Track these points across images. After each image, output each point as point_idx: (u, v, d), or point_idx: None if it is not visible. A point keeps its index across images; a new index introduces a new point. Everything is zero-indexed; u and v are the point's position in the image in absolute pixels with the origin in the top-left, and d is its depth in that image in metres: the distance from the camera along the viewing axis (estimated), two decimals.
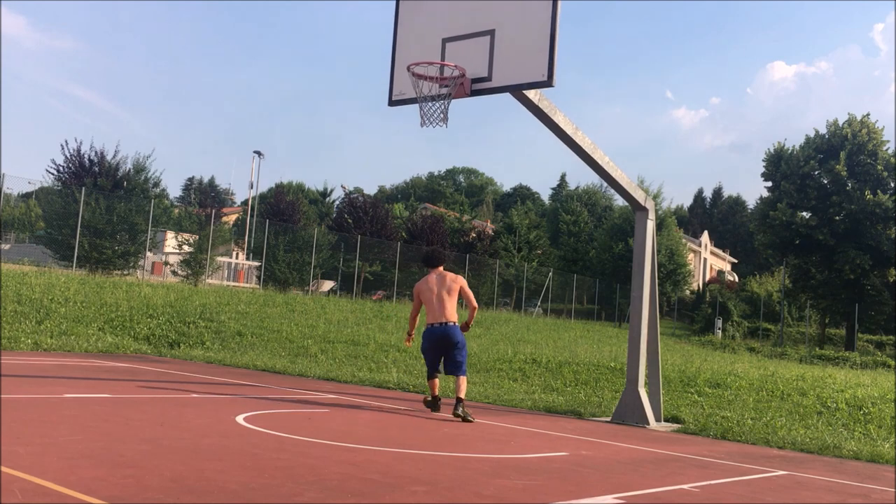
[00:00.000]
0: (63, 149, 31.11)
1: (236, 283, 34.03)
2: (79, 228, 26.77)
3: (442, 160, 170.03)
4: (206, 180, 66.66)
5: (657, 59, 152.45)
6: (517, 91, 8.33)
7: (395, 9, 9.28)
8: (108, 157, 31.45)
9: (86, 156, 31.24)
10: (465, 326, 9.27)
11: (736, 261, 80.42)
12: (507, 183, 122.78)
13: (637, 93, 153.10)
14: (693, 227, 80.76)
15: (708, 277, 69.72)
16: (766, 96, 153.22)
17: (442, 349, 9.04)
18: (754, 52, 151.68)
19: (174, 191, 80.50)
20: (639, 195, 10.57)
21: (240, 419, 7.65)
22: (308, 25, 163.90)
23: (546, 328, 32.73)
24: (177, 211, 36.00)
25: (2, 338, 14.24)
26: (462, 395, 8.90)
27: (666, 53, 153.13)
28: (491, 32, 8.42)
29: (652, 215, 10.77)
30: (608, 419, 10.27)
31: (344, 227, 42.65)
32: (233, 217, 52.24)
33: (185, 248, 30.93)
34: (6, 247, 39.11)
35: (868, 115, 43.13)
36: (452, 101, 8.50)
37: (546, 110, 8.70)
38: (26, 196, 54.84)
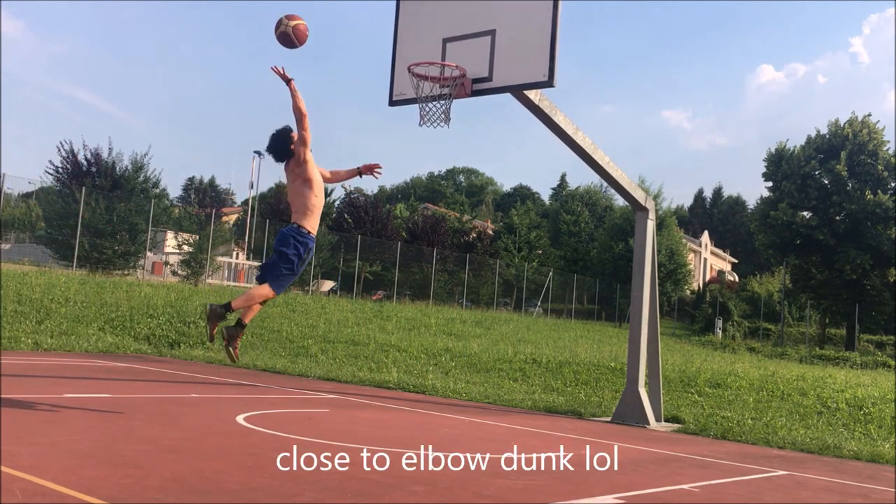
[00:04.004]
0: (59, 150, 31.16)
1: (237, 283, 34.00)
2: (79, 228, 26.75)
3: (442, 160, 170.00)
4: (206, 180, 66.53)
5: (655, 59, 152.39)
6: (518, 91, 8.33)
7: (396, 9, 9.28)
8: (104, 156, 31.47)
9: (80, 153, 31.25)
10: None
11: (736, 261, 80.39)
12: (507, 183, 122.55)
13: (636, 93, 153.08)
14: (693, 227, 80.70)
15: (708, 277, 69.69)
16: (765, 96, 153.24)
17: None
18: (752, 52, 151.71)
19: (174, 191, 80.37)
20: (639, 195, 10.57)
21: (240, 419, 7.65)
22: (308, 24, 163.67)
23: (546, 328, 32.72)
24: (177, 211, 36.03)
25: (2, 338, 14.24)
26: (234, 304, 7.01)
27: (664, 54, 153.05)
28: (492, 32, 8.41)
29: (652, 215, 10.77)
30: (608, 419, 10.27)
31: (344, 227, 42.64)
32: (233, 217, 52.22)
33: (185, 248, 30.92)
34: (6, 247, 39.05)
35: (869, 114, 43.16)
36: (453, 101, 8.49)
37: (546, 110, 8.70)
38: (26, 196, 54.71)
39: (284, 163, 7.26)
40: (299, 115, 6.95)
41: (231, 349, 7.28)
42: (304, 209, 7.13)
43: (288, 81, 6.97)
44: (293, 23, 7.22)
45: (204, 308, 6.72)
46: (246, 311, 7.31)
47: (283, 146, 7.19)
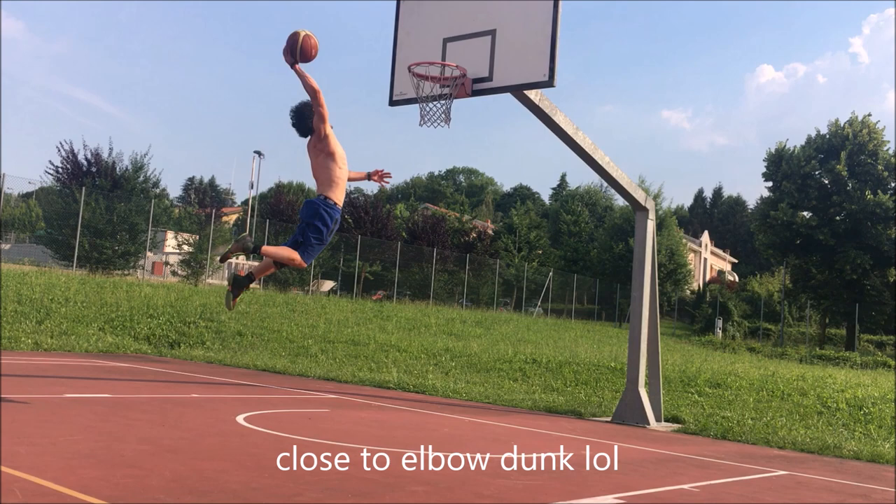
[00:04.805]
0: (59, 150, 31.16)
1: None
2: (79, 228, 26.75)
3: (442, 160, 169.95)
4: (206, 180, 66.57)
5: (655, 59, 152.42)
6: (518, 91, 8.33)
7: (396, 9, 9.28)
8: (104, 156, 31.48)
9: (80, 153, 31.26)
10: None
11: (736, 261, 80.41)
12: (507, 183, 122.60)
13: (635, 93, 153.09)
14: (693, 227, 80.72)
15: (708, 277, 69.70)
16: (765, 96, 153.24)
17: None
18: (752, 52, 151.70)
19: (174, 191, 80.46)
20: (639, 195, 10.57)
21: (240, 419, 7.65)
22: (308, 25, 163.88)
23: (546, 328, 32.72)
24: (177, 211, 35.98)
25: (2, 338, 14.24)
26: (264, 249, 7.01)
27: (664, 54, 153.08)
28: (492, 32, 8.41)
29: (652, 215, 10.77)
30: (608, 419, 10.27)
31: (344, 227, 42.64)
32: (233, 217, 52.26)
33: (185, 248, 30.92)
34: (6, 247, 39.04)
35: (869, 114, 43.15)
36: (454, 101, 8.49)
37: (547, 110, 8.70)
38: (26, 196, 54.76)
39: (307, 139, 7.34)
40: (312, 93, 7.01)
41: (232, 296, 7.38)
42: (330, 182, 7.24)
43: (293, 64, 7.00)
44: (305, 34, 7.03)
45: (237, 238, 6.97)
46: (262, 266, 7.45)
47: (305, 121, 7.26)
